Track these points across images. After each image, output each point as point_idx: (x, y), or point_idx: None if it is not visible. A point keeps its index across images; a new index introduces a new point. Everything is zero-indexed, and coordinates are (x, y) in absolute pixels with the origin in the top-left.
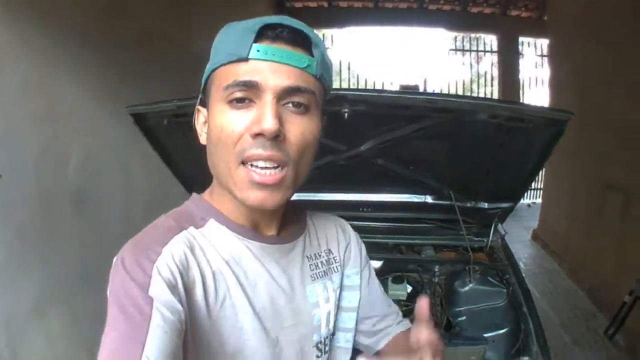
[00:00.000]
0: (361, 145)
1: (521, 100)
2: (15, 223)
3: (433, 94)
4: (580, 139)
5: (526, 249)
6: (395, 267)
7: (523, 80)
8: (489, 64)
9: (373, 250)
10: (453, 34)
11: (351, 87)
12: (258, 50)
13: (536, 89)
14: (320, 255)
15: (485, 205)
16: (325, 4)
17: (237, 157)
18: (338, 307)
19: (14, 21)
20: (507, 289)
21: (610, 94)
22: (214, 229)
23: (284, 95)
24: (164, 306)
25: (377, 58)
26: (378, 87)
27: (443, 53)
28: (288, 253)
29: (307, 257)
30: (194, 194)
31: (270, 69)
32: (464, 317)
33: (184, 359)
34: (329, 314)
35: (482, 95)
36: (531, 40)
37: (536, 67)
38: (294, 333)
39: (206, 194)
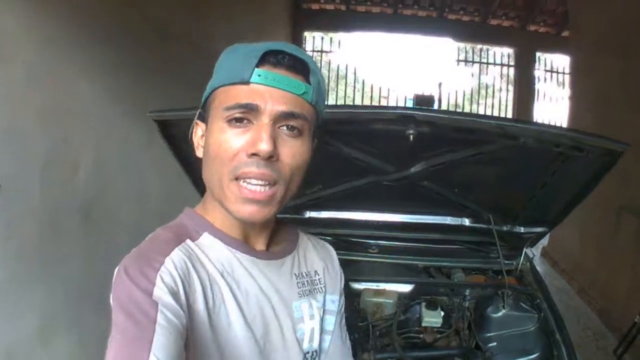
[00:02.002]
0: (411, 167)
1: (533, 115)
2: (18, 240)
3: (504, 119)
4: None
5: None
6: (426, 290)
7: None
8: (496, 76)
9: (403, 273)
10: (462, 44)
11: (356, 92)
12: (259, 75)
13: (544, 103)
14: (307, 275)
15: (522, 229)
16: (343, 7)
17: (231, 172)
18: (321, 330)
19: (30, 12)
20: (538, 314)
21: (631, 113)
22: (208, 242)
23: (279, 119)
24: (168, 310)
25: (388, 65)
26: (384, 93)
27: (452, 63)
28: (278, 269)
29: (295, 274)
30: (187, 208)
31: (269, 93)
32: (494, 343)
33: None
34: (312, 330)
35: (488, 106)
36: (542, 55)
37: (544, 81)
38: (279, 344)
39: (199, 208)
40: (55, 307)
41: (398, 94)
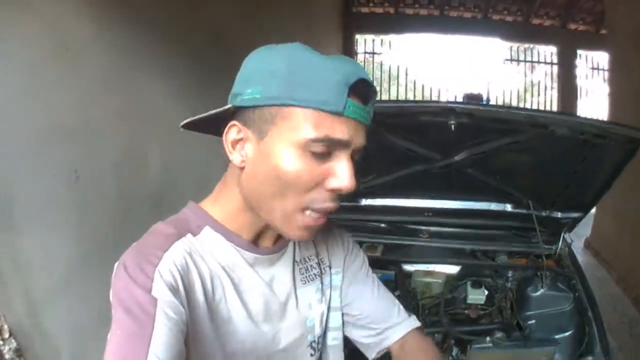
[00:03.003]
0: (455, 156)
1: (577, 111)
2: (91, 224)
3: (533, 110)
4: None
5: (579, 257)
6: (472, 272)
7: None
8: (542, 74)
9: (450, 255)
10: (509, 44)
11: (408, 91)
12: (350, 107)
13: (587, 100)
14: (309, 259)
15: (559, 214)
16: (392, 10)
17: (305, 204)
18: (328, 308)
19: (99, 15)
20: (573, 294)
21: None
22: (209, 237)
23: (356, 152)
24: (167, 306)
25: (437, 65)
26: (435, 93)
27: (500, 62)
28: (278, 259)
29: (297, 261)
30: (191, 202)
31: (356, 128)
32: (533, 321)
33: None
34: (322, 314)
35: (535, 104)
36: (583, 52)
37: (587, 78)
38: (288, 335)
39: (205, 203)
40: None
41: (448, 93)
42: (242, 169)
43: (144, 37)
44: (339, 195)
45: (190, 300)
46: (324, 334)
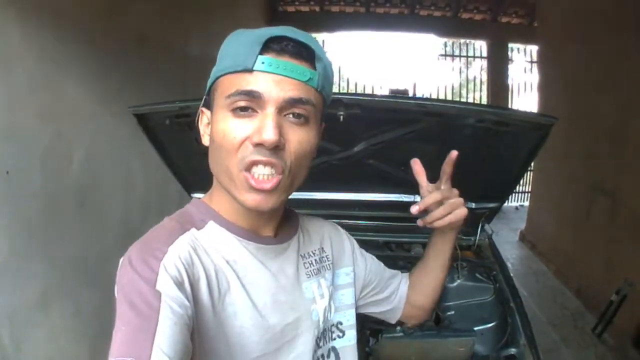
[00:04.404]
0: (354, 147)
1: (510, 105)
2: (21, 218)
3: (423, 98)
4: (568, 142)
5: (514, 250)
6: (386, 264)
7: (512, 86)
8: (478, 69)
9: (364, 248)
10: (443, 39)
11: (342, 90)
12: (263, 62)
13: (525, 94)
14: (313, 254)
15: (473, 205)
16: (317, 9)
17: (239, 163)
18: (334, 307)
19: (26, 21)
20: (494, 285)
21: (599, 98)
22: (213, 231)
23: (285, 106)
24: (172, 300)
25: (367, 62)
26: (368, 90)
27: (433, 58)
28: (284, 252)
29: (301, 255)
30: (194, 198)
31: (273, 81)
32: (452, 312)
33: (192, 355)
34: (325, 310)
35: (471, 100)
36: (521, 46)
37: (525, 72)
38: (296, 328)
39: (206, 197)
40: (53, 280)
41: (381, 90)
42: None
43: (69, 41)
44: (266, 150)
45: (195, 295)
46: (337, 334)
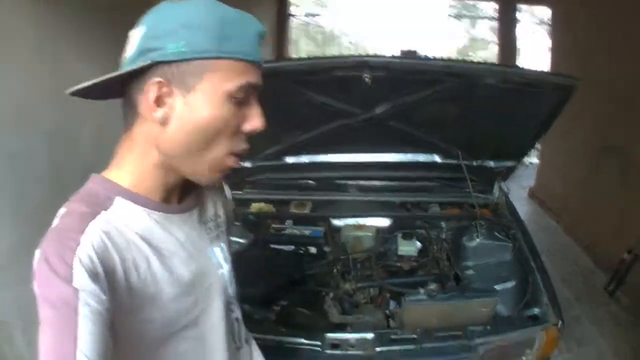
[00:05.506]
0: (376, 108)
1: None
2: (30, 202)
3: (449, 59)
4: (579, 103)
5: (523, 207)
6: (403, 224)
7: (519, 47)
8: (484, 30)
9: (380, 209)
10: (451, 1)
11: (345, 53)
12: (262, 56)
13: (532, 54)
14: (211, 220)
15: (491, 163)
16: None
17: (232, 148)
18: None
19: (34, 14)
20: (513, 244)
21: (611, 62)
22: (121, 207)
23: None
24: (89, 297)
25: (377, 24)
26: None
27: (441, 19)
28: (188, 220)
29: (203, 222)
30: (94, 174)
31: (261, 72)
32: (472, 271)
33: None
34: (230, 273)
35: (478, 59)
36: (527, 7)
37: (532, 33)
38: (210, 294)
39: (110, 172)
40: None
41: (389, 51)
42: (163, 125)
43: (78, 18)
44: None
45: (112, 283)
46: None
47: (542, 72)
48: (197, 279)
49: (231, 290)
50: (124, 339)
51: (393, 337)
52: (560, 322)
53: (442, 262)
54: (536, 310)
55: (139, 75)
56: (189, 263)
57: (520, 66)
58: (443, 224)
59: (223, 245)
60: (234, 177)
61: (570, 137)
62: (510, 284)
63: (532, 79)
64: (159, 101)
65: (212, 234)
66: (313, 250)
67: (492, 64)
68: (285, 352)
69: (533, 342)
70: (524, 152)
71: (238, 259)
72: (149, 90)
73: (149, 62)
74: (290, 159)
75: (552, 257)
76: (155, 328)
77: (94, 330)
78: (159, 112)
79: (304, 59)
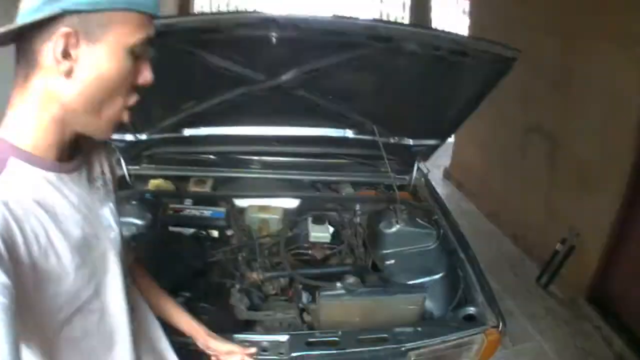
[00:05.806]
0: (282, 75)
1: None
2: None
3: (375, 20)
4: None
5: (439, 188)
6: (313, 206)
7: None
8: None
9: (288, 188)
10: None
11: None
12: (157, 7)
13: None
14: (98, 179)
15: (410, 141)
16: None
17: (129, 101)
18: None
19: None
20: (437, 231)
21: (541, 39)
22: (16, 169)
23: None
24: None
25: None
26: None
27: None
28: (78, 180)
29: (90, 181)
30: None
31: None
32: (392, 261)
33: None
34: (121, 234)
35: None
36: None
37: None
38: (106, 259)
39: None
40: None
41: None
42: (66, 77)
43: None
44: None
45: (15, 260)
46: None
47: (481, 40)
48: (92, 243)
49: (123, 252)
50: (30, 326)
51: (311, 339)
52: (501, 324)
53: (358, 250)
54: (472, 310)
55: (42, 24)
56: (84, 227)
57: (456, 33)
58: (357, 207)
59: (112, 205)
60: (130, 150)
61: (490, 115)
62: (437, 276)
63: (470, 47)
64: (64, 52)
65: (100, 193)
66: (215, 234)
67: (424, 27)
68: (185, 358)
69: (471, 346)
70: (449, 131)
71: (137, 244)
72: (57, 40)
73: (58, 10)
74: (188, 132)
75: (474, 244)
76: (60, 305)
77: (4, 332)
78: (64, 64)
79: (202, 14)
